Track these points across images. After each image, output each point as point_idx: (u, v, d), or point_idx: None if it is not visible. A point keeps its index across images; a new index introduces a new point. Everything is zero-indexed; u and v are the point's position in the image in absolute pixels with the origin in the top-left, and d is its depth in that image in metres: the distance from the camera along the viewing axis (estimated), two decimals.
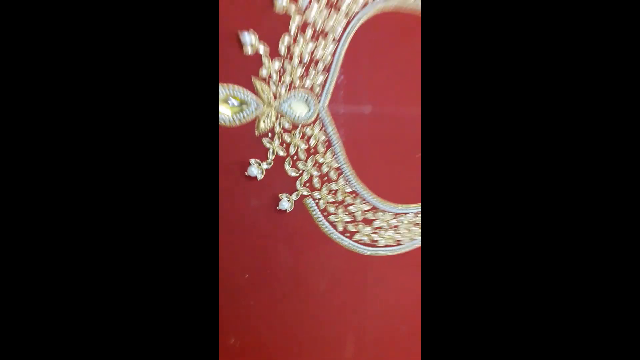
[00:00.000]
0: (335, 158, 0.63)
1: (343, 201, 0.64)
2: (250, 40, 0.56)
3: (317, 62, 0.61)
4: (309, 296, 0.67)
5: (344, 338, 0.72)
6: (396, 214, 0.69)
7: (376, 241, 0.67)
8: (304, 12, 0.59)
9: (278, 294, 0.66)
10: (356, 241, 0.66)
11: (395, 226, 0.69)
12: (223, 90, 0.57)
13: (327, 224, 0.65)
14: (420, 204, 0.71)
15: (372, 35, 0.64)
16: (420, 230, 0.70)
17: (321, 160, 0.63)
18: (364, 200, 0.66)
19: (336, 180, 0.64)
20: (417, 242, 0.71)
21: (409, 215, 0.70)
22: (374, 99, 0.66)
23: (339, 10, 0.61)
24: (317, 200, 0.64)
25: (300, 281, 0.66)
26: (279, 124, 0.60)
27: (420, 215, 0.70)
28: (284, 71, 0.59)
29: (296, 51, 0.59)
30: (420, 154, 0.70)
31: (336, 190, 0.64)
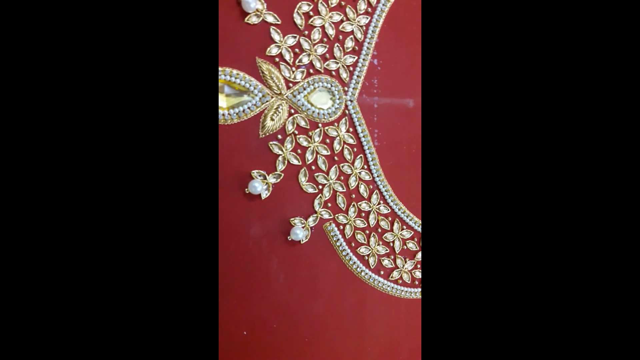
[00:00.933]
0: (367, 168, 0.47)
1: (377, 227, 0.48)
2: (253, 3, 0.40)
3: (344, 39, 0.45)
4: (334, 356, 0.50)
5: None
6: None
7: (419, 280, 0.50)
8: None
9: (290, 355, 0.49)
10: (393, 281, 0.49)
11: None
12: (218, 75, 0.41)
13: (355, 258, 0.48)
14: None
15: (417, 3, 0.47)
16: None
17: (348, 171, 0.46)
18: (405, 225, 0.49)
19: (368, 199, 0.47)
20: None
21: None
22: (420, 89, 0.49)
23: None
24: (342, 226, 0.47)
25: (320, 338, 0.49)
26: (292, 121, 0.43)
27: None
28: (301, 50, 0.42)
29: (317, 23, 0.43)
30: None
31: (368, 212, 0.47)
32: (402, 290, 0.51)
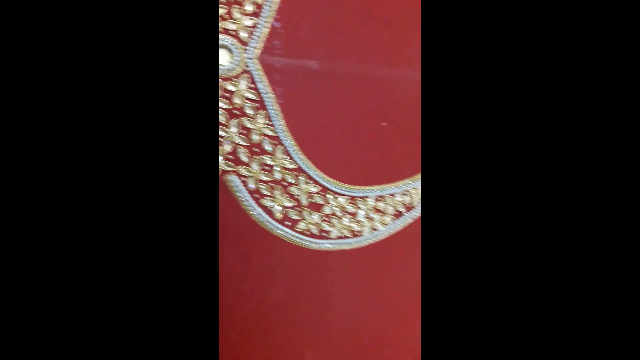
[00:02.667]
0: (270, 124, 0.49)
1: (282, 180, 0.50)
2: None
3: (243, 2, 0.47)
4: (237, 303, 0.53)
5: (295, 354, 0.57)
6: (353, 198, 0.54)
7: (327, 232, 0.53)
8: None
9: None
10: (300, 232, 0.51)
11: (352, 213, 0.54)
12: None
13: (259, 209, 0.50)
14: (384, 186, 0.56)
15: None
16: (385, 218, 0.56)
17: (249, 125, 0.48)
18: (311, 179, 0.51)
19: (272, 154, 0.50)
20: (381, 232, 0.56)
21: (369, 199, 0.55)
22: (325, 52, 0.52)
23: None
24: (244, 179, 0.49)
25: (230, 289, 0.52)
26: None
27: (385, 199, 0.56)
28: None
29: None
30: (386, 123, 0.56)
31: (272, 167, 0.50)
32: (310, 242, 0.53)
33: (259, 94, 0.50)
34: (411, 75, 0.59)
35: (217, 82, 0.48)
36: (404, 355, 0.63)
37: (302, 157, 0.52)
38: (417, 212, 0.60)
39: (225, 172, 0.50)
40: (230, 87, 0.49)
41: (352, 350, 0.60)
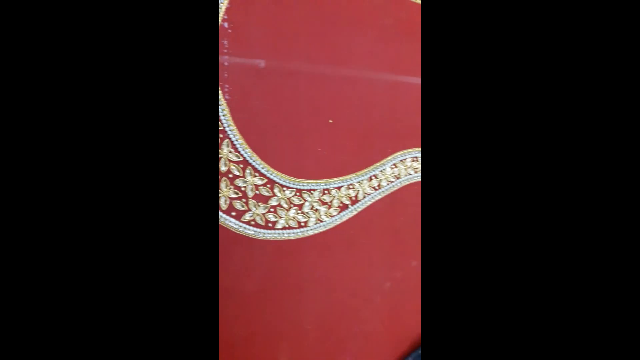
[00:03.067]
0: (218, 119, 0.52)
1: (228, 173, 0.53)
2: None
3: None
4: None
5: (239, 336, 0.60)
6: (299, 190, 0.57)
7: (273, 222, 0.56)
8: None
9: None
10: (246, 222, 0.54)
11: (298, 205, 0.57)
12: None
13: None
14: (330, 179, 0.59)
15: None
16: (330, 210, 0.59)
17: None
18: (258, 172, 0.54)
19: (219, 147, 0.52)
20: (326, 223, 0.59)
21: (316, 192, 0.58)
22: (272, 51, 0.54)
23: None
24: None
25: None
26: None
27: (329, 192, 0.59)
28: None
29: None
30: (332, 120, 0.59)
31: (219, 159, 0.52)
32: (255, 232, 0.56)
33: None
34: (359, 73, 0.62)
35: (217, 82, 0.51)
36: (349, 345, 0.66)
37: (249, 150, 0.55)
38: (362, 205, 0.63)
39: None
40: None
41: (298, 340, 0.63)
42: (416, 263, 0.70)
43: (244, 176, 0.55)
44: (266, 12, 0.54)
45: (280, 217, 0.57)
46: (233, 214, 0.55)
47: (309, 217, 0.58)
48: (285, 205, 0.57)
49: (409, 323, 0.71)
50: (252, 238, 0.56)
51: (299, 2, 0.57)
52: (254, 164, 0.55)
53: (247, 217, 0.55)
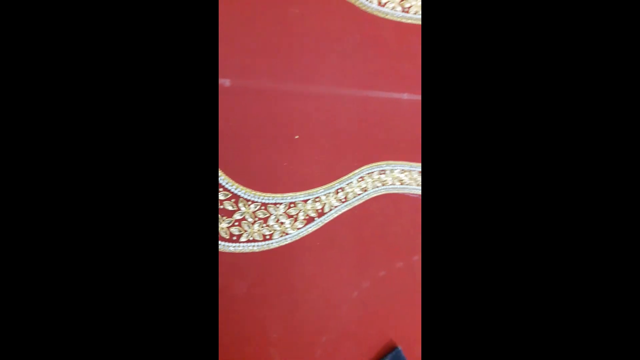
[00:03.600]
0: None
1: None
2: None
3: None
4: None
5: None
6: (264, 204, 0.59)
7: (237, 236, 0.58)
8: None
9: None
10: None
11: (263, 218, 0.59)
12: None
13: None
14: (297, 193, 0.61)
15: None
16: (296, 223, 0.61)
17: None
18: (222, 187, 0.56)
19: None
20: (291, 236, 0.61)
21: (281, 206, 0.60)
22: (237, 70, 0.56)
23: None
24: None
25: None
26: None
27: (296, 205, 0.61)
28: None
29: None
30: (298, 136, 0.61)
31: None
32: (220, 245, 0.58)
33: None
34: (325, 90, 0.63)
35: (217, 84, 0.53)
36: (317, 354, 0.68)
37: None
38: (329, 217, 0.65)
39: None
40: None
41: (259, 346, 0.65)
42: (384, 273, 0.72)
43: None
44: (232, 32, 0.56)
45: (245, 231, 0.59)
46: None
47: (274, 230, 0.60)
48: (250, 219, 0.59)
49: (378, 332, 0.73)
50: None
51: (263, 21, 0.58)
52: (219, 180, 0.57)
53: None
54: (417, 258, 0.75)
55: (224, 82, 0.56)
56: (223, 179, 0.57)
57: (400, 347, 0.73)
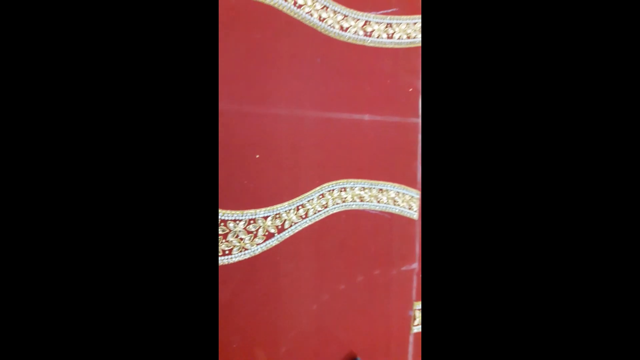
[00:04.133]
0: None
1: None
2: None
3: None
4: None
5: None
6: (224, 221, 0.61)
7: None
8: None
9: None
10: None
11: (222, 234, 0.61)
12: None
13: None
14: (257, 210, 0.63)
15: None
16: (256, 239, 0.63)
17: None
18: None
19: None
20: (250, 251, 0.64)
21: (241, 223, 0.63)
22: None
23: None
24: None
25: None
26: None
27: (255, 222, 0.63)
28: None
29: None
30: (258, 155, 0.63)
31: None
32: None
33: None
34: (287, 111, 0.66)
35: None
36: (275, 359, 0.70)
37: None
38: (289, 233, 0.67)
39: None
40: None
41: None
42: (344, 286, 0.74)
43: None
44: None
45: None
46: None
47: (233, 246, 0.62)
48: None
49: (337, 344, 0.75)
50: None
51: (225, 45, 0.61)
52: None
53: None
54: (378, 272, 0.78)
55: None
56: None
57: (359, 358, 0.76)
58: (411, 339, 0.83)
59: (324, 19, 0.69)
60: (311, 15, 0.67)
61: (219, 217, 0.61)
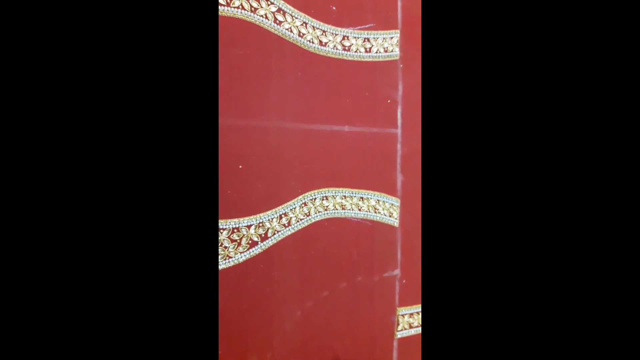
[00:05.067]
0: None
1: None
2: None
3: None
4: None
5: None
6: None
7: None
8: None
9: None
10: None
11: None
12: None
13: None
14: (240, 219, 0.65)
15: None
16: (239, 247, 0.65)
17: None
18: None
19: None
20: (234, 259, 0.65)
21: (224, 231, 0.64)
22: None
23: None
24: None
25: None
26: None
27: (239, 230, 0.65)
28: None
29: None
30: (241, 166, 0.65)
31: None
32: None
33: None
34: (268, 123, 0.69)
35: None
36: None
37: None
38: (272, 241, 0.69)
39: None
40: None
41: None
42: (327, 293, 0.76)
43: None
44: None
45: None
46: None
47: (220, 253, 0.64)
48: None
49: (321, 349, 0.77)
50: None
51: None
52: None
53: None
54: (361, 279, 0.80)
55: None
56: None
57: None
58: (395, 344, 0.85)
59: (304, 34, 0.72)
60: (291, 31, 0.70)
61: None
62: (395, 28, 0.82)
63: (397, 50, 0.82)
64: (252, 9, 0.66)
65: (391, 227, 0.82)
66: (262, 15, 0.67)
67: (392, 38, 0.82)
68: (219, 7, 0.62)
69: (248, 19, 0.66)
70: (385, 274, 0.83)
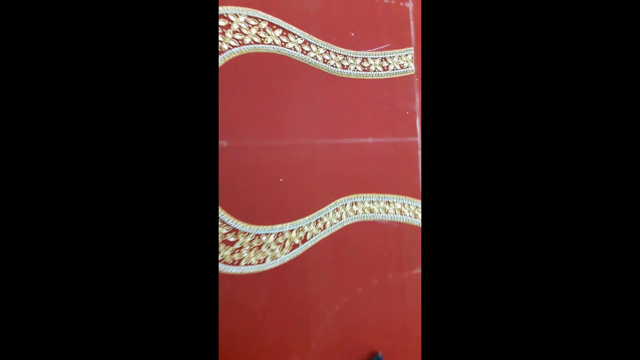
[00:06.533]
0: None
1: None
2: None
3: None
4: None
5: None
6: (258, 235, 0.73)
7: (238, 260, 0.71)
8: None
9: None
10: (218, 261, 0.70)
11: (257, 246, 0.73)
12: None
13: None
14: (284, 224, 0.75)
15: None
16: (284, 249, 0.74)
17: None
18: (223, 222, 0.70)
19: None
20: (280, 260, 0.75)
21: (271, 236, 0.74)
22: (230, 133, 0.72)
23: None
24: None
25: None
26: None
27: (283, 234, 0.74)
28: None
29: None
30: (282, 179, 0.75)
31: None
32: (224, 267, 0.72)
33: None
34: (301, 141, 0.78)
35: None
36: (307, 353, 0.80)
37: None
38: (310, 243, 0.79)
39: None
40: None
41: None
42: (361, 289, 0.84)
43: None
44: (227, 104, 0.72)
45: (243, 257, 0.73)
46: None
47: (266, 256, 0.74)
48: (247, 247, 0.73)
49: (359, 339, 0.85)
50: (222, 273, 0.72)
51: (250, 92, 0.74)
52: (221, 216, 0.71)
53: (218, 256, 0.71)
54: (391, 275, 0.88)
55: (222, 143, 0.71)
56: (225, 216, 0.71)
57: (380, 353, 0.85)
58: None
59: (327, 60, 0.82)
60: (316, 59, 0.80)
61: (254, 232, 0.73)
62: (409, 45, 0.91)
63: (412, 65, 0.91)
64: (282, 43, 0.77)
65: (417, 227, 0.90)
66: (291, 48, 0.77)
67: (406, 55, 0.90)
68: (253, 45, 0.73)
69: (280, 53, 0.76)
70: (414, 271, 0.90)
